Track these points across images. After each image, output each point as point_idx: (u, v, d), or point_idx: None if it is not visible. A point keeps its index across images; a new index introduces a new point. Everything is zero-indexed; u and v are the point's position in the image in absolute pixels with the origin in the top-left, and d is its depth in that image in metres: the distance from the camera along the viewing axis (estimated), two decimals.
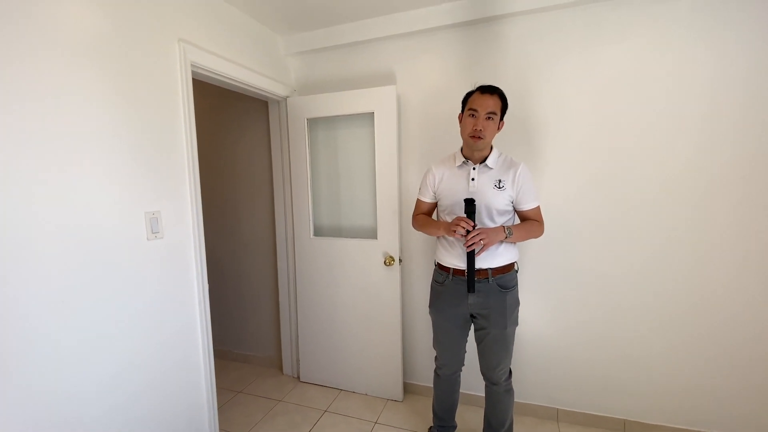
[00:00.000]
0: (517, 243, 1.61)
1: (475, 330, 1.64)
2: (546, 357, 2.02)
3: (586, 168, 1.85)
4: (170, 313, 1.58)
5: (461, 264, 1.54)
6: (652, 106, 1.72)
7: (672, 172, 1.73)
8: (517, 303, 1.61)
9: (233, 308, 2.78)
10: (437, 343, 1.72)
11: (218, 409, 1.92)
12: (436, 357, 1.76)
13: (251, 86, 2.03)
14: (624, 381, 1.91)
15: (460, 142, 1.62)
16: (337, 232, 2.39)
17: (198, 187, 1.68)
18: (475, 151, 1.53)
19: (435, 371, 1.79)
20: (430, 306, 1.71)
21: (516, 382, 1.95)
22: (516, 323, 1.61)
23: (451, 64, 2.02)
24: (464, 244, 1.44)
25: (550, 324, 2.00)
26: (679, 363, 1.82)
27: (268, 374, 2.63)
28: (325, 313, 2.37)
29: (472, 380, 2.07)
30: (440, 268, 1.65)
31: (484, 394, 1.73)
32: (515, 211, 1.59)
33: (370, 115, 2.14)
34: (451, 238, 1.56)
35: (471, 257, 1.47)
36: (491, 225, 1.52)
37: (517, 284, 1.61)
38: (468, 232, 1.42)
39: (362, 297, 2.26)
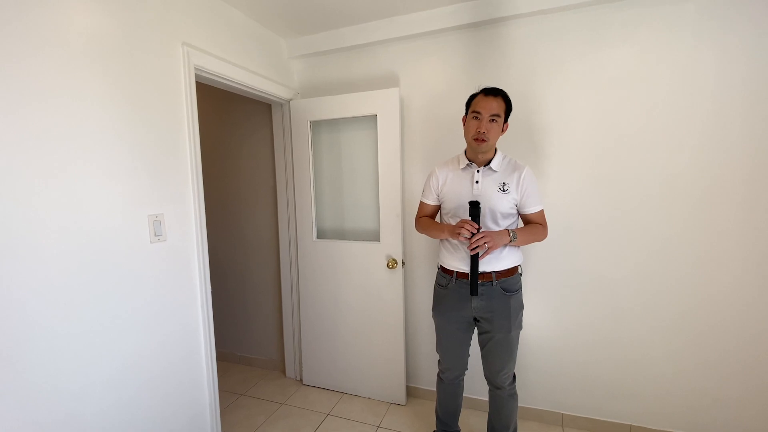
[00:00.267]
0: (521, 246, 1.60)
1: (479, 334, 1.63)
2: (550, 361, 2.01)
3: (590, 170, 1.84)
4: (172, 315, 1.58)
5: (464, 267, 1.53)
6: (657, 107, 1.71)
7: (676, 174, 1.72)
8: (521, 306, 1.59)
9: (236, 310, 2.78)
10: (440, 346, 1.71)
11: (221, 411, 1.91)
12: (439, 361, 1.75)
13: (254, 89, 2.04)
14: (630, 385, 1.89)
15: (463, 145, 1.61)
16: (340, 235, 2.38)
17: (201, 190, 1.69)
18: (479, 153, 1.52)
19: (438, 375, 1.77)
20: (433, 309, 1.70)
21: (520, 386, 1.93)
22: (520, 327, 1.60)
23: (455, 67, 2.02)
24: (468, 247, 1.43)
25: (555, 327, 1.98)
26: (684, 366, 1.80)
27: (271, 377, 2.62)
28: (327, 315, 2.37)
29: (475, 384, 2.06)
30: (443, 271, 1.64)
31: (487, 399, 1.71)
32: (519, 214, 1.58)
33: (373, 118, 2.14)
34: (454, 241, 1.55)
35: (475, 260, 1.45)
36: (495, 228, 1.51)
37: (521, 287, 1.59)
38: (472, 234, 1.41)
39: (365, 300, 2.26)
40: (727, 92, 1.62)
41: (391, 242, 2.15)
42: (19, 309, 1.10)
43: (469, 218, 1.45)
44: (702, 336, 1.76)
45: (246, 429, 2.07)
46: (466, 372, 1.75)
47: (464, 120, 1.56)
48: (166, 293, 1.55)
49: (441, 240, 1.65)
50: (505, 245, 1.50)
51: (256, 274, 2.68)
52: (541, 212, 1.57)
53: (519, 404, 1.75)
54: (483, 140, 1.46)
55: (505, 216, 1.52)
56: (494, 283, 1.52)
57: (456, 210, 1.55)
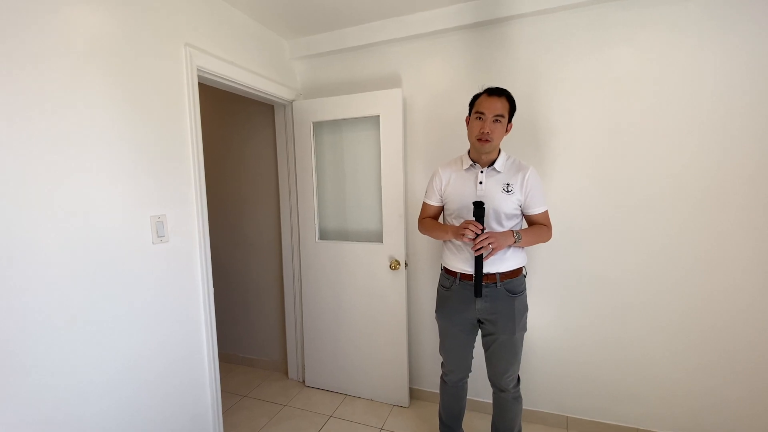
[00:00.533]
0: (525, 247, 1.59)
1: (483, 336, 1.62)
2: (555, 363, 1.99)
3: (595, 170, 1.82)
4: (174, 316, 1.57)
5: (468, 268, 1.52)
6: (658, 107, 1.70)
7: (678, 174, 1.70)
8: (525, 308, 1.58)
9: (238, 312, 2.78)
10: (444, 348, 1.70)
11: (223, 413, 1.91)
12: (442, 363, 1.74)
13: (257, 90, 2.03)
14: (635, 388, 1.87)
15: (467, 146, 1.60)
16: (343, 236, 2.37)
17: (204, 191, 1.68)
18: (482, 154, 1.51)
19: (441, 377, 1.76)
20: (436, 311, 1.69)
21: (524, 389, 1.92)
22: (524, 329, 1.58)
23: (457, 67, 2.01)
24: (472, 248, 1.42)
25: (559, 329, 1.96)
26: (687, 366, 1.78)
27: (273, 378, 2.62)
28: (330, 317, 2.36)
29: (479, 387, 2.04)
30: (447, 272, 1.63)
31: (491, 401, 1.70)
32: (523, 215, 1.57)
33: (376, 119, 2.13)
34: (458, 242, 1.54)
35: (479, 261, 1.44)
36: (499, 229, 1.50)
37: (525, 289, 1.58)
38: (477, 235, 1.40)
39: (368, 301, 2.24)
40: (728, 92, 1.61)
41: (393, 243, 2.14)
42: (22, 309, 1.10)
43: (473, 219, 1.44)
44: (704, 336, 1.74)
45: (248, 431, 2.06)
46: (470, 374, 1.73)
47: (467, 120, 1.55)
48: (169, 294, 1.55)
49: (444, 241, 1.63)
50: (510, 246, 1.49)
51: (258, 275, 2.67)
52: (546, 213, 1.56)
53: (523, 407, 1.73)
54: (487, 141, 1.45)
55: (510, 217, 1.51)
56: (498, 285, 1.50)
57: (459, 211, 1.54)
